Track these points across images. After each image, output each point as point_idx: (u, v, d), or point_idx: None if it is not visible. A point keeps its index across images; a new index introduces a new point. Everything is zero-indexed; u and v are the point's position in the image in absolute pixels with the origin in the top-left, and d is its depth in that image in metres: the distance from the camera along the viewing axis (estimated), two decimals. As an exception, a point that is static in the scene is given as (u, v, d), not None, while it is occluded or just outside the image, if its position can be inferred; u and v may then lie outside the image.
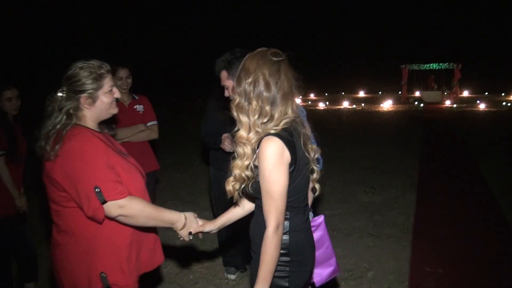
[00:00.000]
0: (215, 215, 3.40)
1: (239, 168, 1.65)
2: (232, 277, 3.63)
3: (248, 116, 1.64)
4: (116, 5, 41.75)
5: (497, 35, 43.32)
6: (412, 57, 30.58)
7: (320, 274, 2.13)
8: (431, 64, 24.98)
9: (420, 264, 3.78)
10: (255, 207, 1.82)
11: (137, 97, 3.80)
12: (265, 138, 1.59)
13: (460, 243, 4.23)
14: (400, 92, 26.41)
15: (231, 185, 1.70)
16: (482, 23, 45.61)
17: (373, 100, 25.17)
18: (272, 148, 1.55)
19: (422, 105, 21.47)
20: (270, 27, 46.12)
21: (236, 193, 1.71)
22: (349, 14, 52.34)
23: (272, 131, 1.60)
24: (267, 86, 1.61)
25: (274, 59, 1.63)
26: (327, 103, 23.25)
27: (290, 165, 1.59)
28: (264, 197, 1.59)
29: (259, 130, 1.62)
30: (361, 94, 30.80)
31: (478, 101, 20.91)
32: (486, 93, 27.76)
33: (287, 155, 1.57)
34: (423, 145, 10.00)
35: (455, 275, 3.56)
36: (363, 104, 22.48)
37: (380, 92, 30.46)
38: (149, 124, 3.76)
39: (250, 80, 1.62)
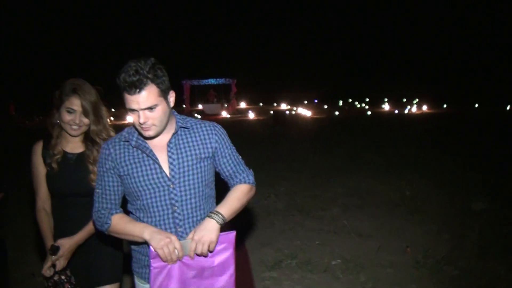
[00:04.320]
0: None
1: None
2: None
3: None
4: None
5: (269, 52, 49.74)
6: (193, 73, 32.36)
7: None
8: (209, 80, 27.00)
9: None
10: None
11: None
12: None
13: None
14: (184, 106, 27.66)
15: None
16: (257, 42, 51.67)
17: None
18: None
19: (199, 116, 22.93)
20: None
21: None
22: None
23: None
24: None
25: None
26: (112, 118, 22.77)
27: None
28: None
29: None
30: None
31: (249, 112, 23.55)
32: (261, 104, 31.48)
33: None
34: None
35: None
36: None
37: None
38: None
39: None
